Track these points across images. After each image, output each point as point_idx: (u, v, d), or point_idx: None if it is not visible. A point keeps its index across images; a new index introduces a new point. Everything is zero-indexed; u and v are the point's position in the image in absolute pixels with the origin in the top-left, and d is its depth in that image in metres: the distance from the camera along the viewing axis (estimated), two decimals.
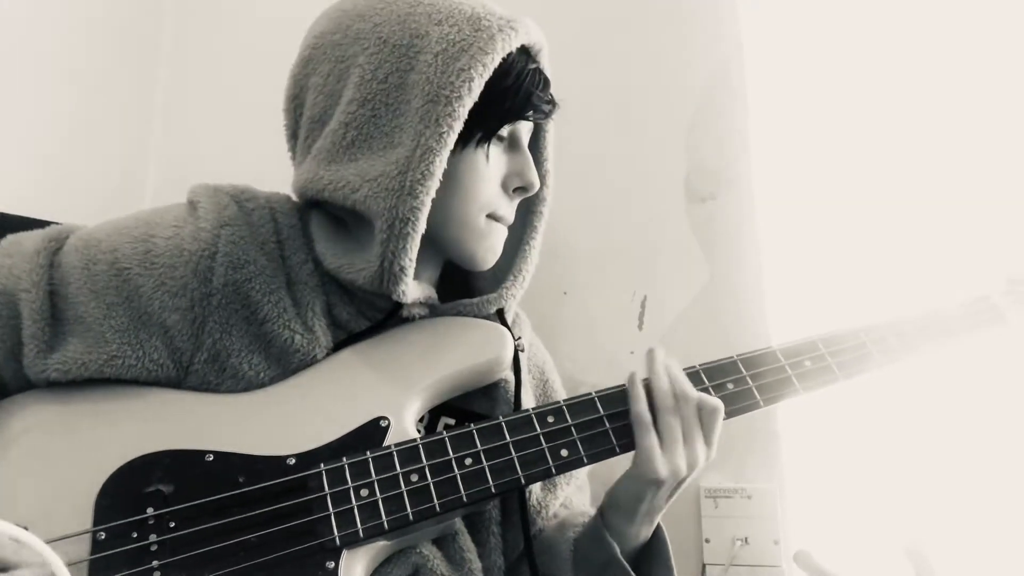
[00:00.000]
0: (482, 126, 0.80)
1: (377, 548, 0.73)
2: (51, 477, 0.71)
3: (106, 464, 0.71)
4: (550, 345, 1.02)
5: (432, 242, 0.82)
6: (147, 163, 1.61)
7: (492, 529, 0.83)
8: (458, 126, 0.76)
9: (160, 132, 1.63)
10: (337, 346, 0.81)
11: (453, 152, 0.78)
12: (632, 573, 0.79)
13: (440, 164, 0.76)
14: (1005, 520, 0.96)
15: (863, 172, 1.09)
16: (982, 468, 0.98)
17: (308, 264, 0.82)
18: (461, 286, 0.92)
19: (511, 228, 0.88)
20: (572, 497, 0.93)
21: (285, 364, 0.78)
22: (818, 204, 1.11)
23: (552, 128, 0.92)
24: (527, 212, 0.91)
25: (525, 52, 0.83)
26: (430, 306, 0.86)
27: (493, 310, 0.87)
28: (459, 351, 0.82)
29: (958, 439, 0.99)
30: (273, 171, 0.94)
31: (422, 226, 0.76)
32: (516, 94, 0.81)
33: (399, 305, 0.82)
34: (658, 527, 0.82)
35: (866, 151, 1.10)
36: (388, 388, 0.78)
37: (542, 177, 0.90)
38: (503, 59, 0.79)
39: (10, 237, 0.82)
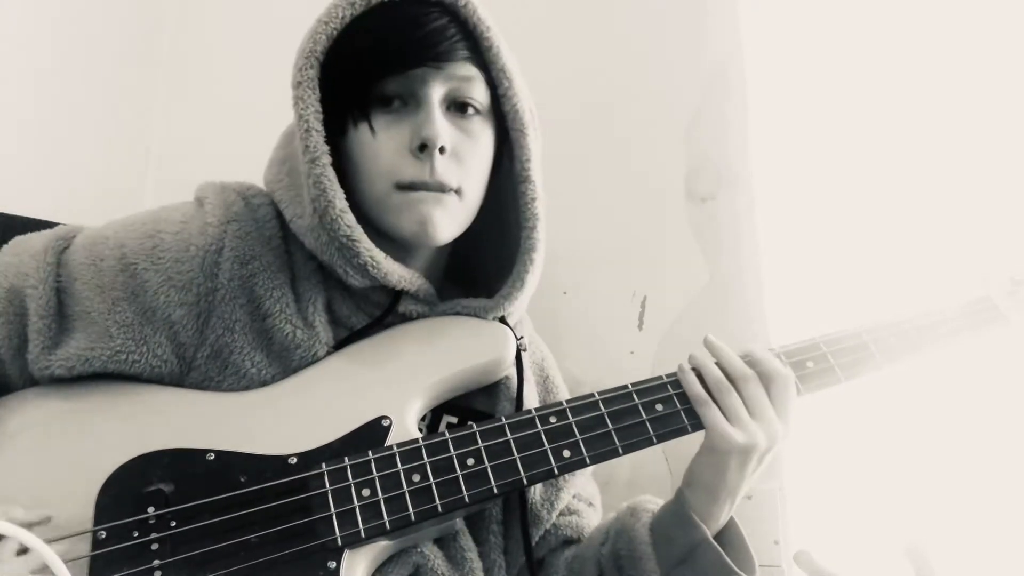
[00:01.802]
0: (351, 100, 0.79)
1: (378, 548, 0.73)
2: (52, 474, 0.71)
3: (107, 462, 0.71)
4: (550, 345, 1.02)
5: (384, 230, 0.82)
6: (147, 163, 1.61)
7: (493, 528, 0.83)
8: (310, 98, 0.77)
9: (160, 132, 1.63)
10: (338, 345, 0.81)
11: (344, 136, 0.80)
12: (726, 557, 0.77)
13: (314, 142, 0.77)
14: (1005, 520, 0.96)
15: (863, 171, 1.09)
16: (983, 469, 0.98)
17: (312, 260, 0.82)
18: (470, 285, 0.91)
19: (511, 223, 0.87)
20: (584, 488, 0.93)
21: (286, 361, 0.78)
22: (818, 204, 1.11)
23: (508, 88, 0.82)
24: (513, 197, 0.86)
25: (411, 4, 0.78)
26: (429, 304, 0.85)
27: (491, 317, 0.85)
28: (461, 350, 0.82)
29: (959, 439, 0.99)
30: None
31: (340, 204, 0.77)
32: (367, 51, 0.78)
33: (396, 299, 0.82)
34: (731, 517, 0.81)
35: (866, 150, 1.09)
36: (390, 388, 0.79)
37: (511, 143, 0.85)
38: (356, 25, 0.78)
39: (19, 237, 0.82)
